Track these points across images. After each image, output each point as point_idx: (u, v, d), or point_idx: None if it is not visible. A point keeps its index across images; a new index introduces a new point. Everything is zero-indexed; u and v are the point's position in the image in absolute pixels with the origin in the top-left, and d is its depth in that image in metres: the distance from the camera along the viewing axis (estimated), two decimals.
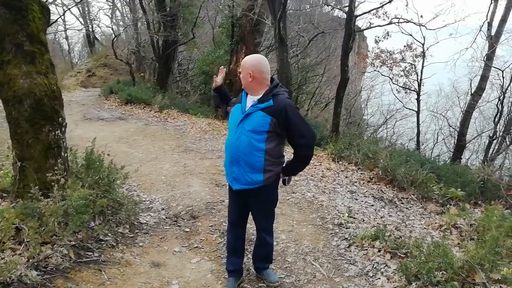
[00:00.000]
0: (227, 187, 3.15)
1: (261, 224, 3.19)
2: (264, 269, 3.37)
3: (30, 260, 2.86)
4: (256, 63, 2.83)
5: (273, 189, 3.03)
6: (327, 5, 17.89)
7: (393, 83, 15.54)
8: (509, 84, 12.03)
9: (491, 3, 11.18)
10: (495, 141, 12.14)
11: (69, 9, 18.87)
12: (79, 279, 3.01)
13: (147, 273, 3.38)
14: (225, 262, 3.35)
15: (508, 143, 11.97)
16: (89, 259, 3.28)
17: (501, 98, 12.28)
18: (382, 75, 16.67)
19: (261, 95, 2.81)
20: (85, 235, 3.46)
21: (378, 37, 14.80)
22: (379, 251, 3.88)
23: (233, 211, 3.21)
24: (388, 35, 14.04)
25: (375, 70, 16.77)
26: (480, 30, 11.51)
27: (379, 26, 11.97)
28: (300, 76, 16.72)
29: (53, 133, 3.55)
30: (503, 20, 10.83)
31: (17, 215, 3.08)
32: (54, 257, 3.01)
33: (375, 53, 16.12)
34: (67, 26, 23.48)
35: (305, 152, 2.90)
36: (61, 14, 19.44)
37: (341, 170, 6.96)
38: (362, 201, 5.56)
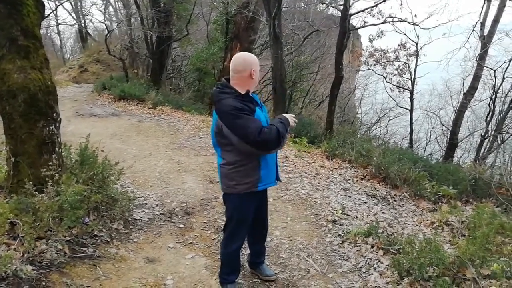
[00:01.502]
0: (230, 196, 2.93)
1: (267, 220, 3.34)
2: (261, 264, 3.41)
3: (25, 255, 2.86)
4: None
5: None
6: (322, 3, 17.96)
7: (387, 82, 15.66)
8: (501, 84, 12.20)
9: (484, 3, 11.31)
10: (486, 140, 12.30)
11: (61, 4, 18.69)
12: (74, 274, 3.01)
13: (141, 269, 3.39)
14: (224, 275, 3.13)
15: (499, 142, 12.14)
16: (83, 255, 3.28)
17: (493, 97, 12.43)
18: (376, 73, 16.77)
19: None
20: (79, 231, 3.46)
21: (372, 36, 14.90)
22: (372, 247, 3.92)
23: (247, 227, 3.06)
24: (382, 34, 14.13)
25: (369, 69, 16.88)
26: (473, 30, 11.66)
27: (373, 25, 12.03)
28: (295, 73, 16.76)
29: (47, 129, 3.54)
30: (496, 21, 10.96)
31: (11, 210, 3.07)
32: (49, 252, 3.01)
33: (369, 52, 16.22)
34: (59, 21, 23.34)
35: None
36: (54, 8, 19.27)
37: (335, 168, 7.00)
38: (356, 199, 5.61)
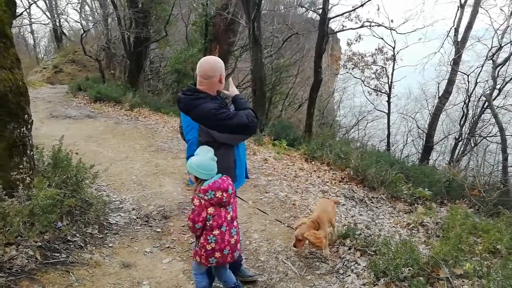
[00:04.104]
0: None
1: None
2: (239, 266, 3.38)
3: None
4: None
5: None
6: (301, 7, 18.10)
7: (365, 85, 15.93)
8: (474, 88, 12.56)
9: (458, 10, 11.64)
10: (460, 142, 12.64)
11: (35, 2, 18.26)
12: (46, 280, 2.92)
13: (117, 274, 3.31)
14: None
15: (472, 145, 12.49)
16: (56, 260, 3.18)
17: (467, 101, 12.80)
18: (354, 77, 17.04)
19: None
20: (52, 236, 3.36)
21: (351, 40, 15.11)
22: (350, 249, 3.96)
23: None
24: (360, 38, 14.35)
25: (347, 72, 17.12)
26: (447, 36, 11.98)
27: (351, 29, 12.24)
28: (274, 76, 16.81)
29: (18, 131, 3.43)
30: (469, 27, 11.30)
31: None
32: (19, 258, 2.91)
33: (347, 56, 16.46)
34: (32, 20, 22.66)
35: None
36: (27, 7, 18.78)
37: (314, 170, 7.05)
38: None
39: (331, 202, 4.30)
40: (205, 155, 2.60)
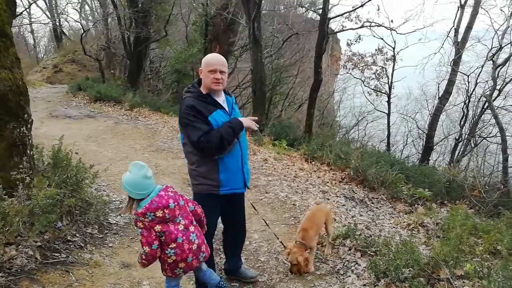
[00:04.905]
0: (194, 195, 2.98)
1: (244, 220, 3.29)
2: (239, 268, 3.37)
3: None
4: None
5: None
6: (301, 7, 18.11)
7: (365, 86, 15.90)
8: (474, 89, 12.55)
9: (458, 10, 11.62)
10: (460, 143, 12.61)
11: (35, 1, 18.28)
12: (46, 280, 2.91)
13: (117, 274, 3.31)
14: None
15: (472, 145, 12.48)
16: (56, 260, 3.17)
17: (467, 102, 12.78)
18: (354, 77, 17.00)
19: (222, 93, 2.89)
20: (52, 236, 3.35)
21: (351, 40, 15.08)
22: (350, 249, 3.95)
23: (211, 229, 3.00)
24: (360, 39, 14.32)
25: (347, 73, 17.09)
26: (447, 36, 11.97)
27: (351, 29, 12.23)
28: (274, 76, 16.81)
29: (18, 130, 3.42)
30: (469, 27, 11.28)
31: None
32: (19, 258, 2.90)
33: (347, 56, 16.42)
34: (32, 20, 22.67)
35: None
36: (27, 6, 18.79)
37: (314, 171, 7.04)
38: (334, 201, 5.64)
39: (322, 208, 4.04)
40: (137, 173, 2.37)
